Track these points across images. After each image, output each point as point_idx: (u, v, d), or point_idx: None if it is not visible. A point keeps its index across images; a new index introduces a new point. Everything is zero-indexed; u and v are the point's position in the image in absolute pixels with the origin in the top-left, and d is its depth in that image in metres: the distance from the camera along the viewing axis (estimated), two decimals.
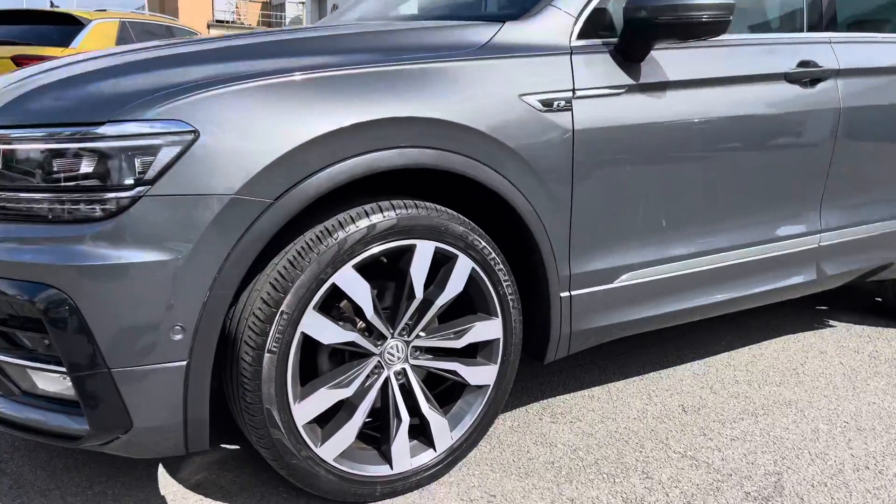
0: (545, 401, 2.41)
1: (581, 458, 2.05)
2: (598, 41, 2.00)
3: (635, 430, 2.21)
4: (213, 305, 1.50)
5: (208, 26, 47.03)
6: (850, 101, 2.49)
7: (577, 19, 1.98)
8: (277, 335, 1.58)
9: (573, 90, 1.91)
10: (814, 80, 2.41)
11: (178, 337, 1.49)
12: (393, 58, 1.72)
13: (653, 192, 2.09)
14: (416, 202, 1.73)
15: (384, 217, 1.67)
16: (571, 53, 1.94)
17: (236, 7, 48.67)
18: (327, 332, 1.66)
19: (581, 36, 1.98)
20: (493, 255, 1.85)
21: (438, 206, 1.76)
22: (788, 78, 2.34)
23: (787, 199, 2.42)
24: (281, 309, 1.58)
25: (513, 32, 1.91)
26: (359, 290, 1.67)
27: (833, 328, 3.17)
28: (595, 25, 2.03)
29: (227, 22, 45.56)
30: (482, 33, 1.89)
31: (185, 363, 1.51)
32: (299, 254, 1.60)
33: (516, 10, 2.03)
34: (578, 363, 2.73)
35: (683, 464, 2.03)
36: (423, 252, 1.74)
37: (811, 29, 2.52)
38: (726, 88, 2.20)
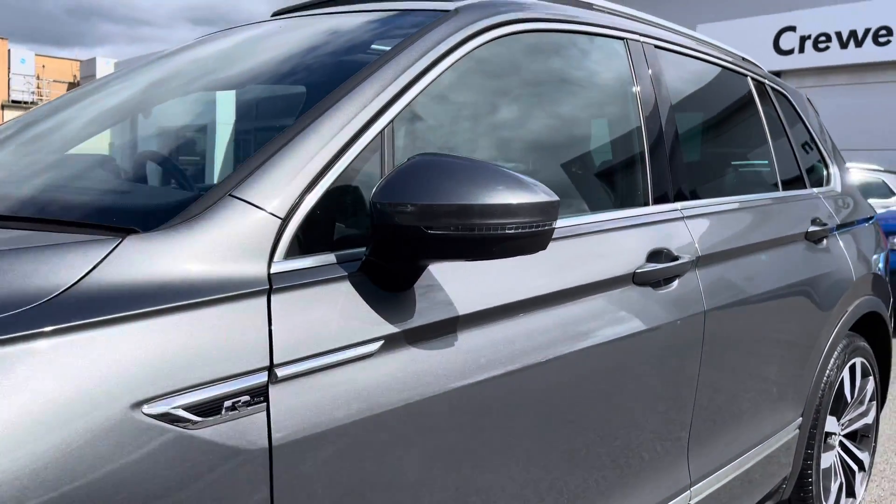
0: None
1: None
2: (328, 257, 1.10)
3: None
4: None
5: (2, 107, 42.71)
6: (716, 299, 1.77)
7: (285, 222, 1.06)
8: None
9: (270, 368, 0.97)
10: (668, 278, 1.66)
11: None
12: None
13: None
14: None
15: None
16: (271, 291, 1.01)
17: (37, 87, 44.77)
18: None
19: (295, 251, 1.06)
20: None
21: None
22: (637, 279, 1.57)
23: (645, 461, 1.61)
24: None
25: (138, 258, 0.94)
26: None
27: None
28: (322, 229, 1.12)
29: (26, 103, 41.55)
30: (61, 270, 0.89)
31: None
32: None
33: (162, 209, 1.07)
34: None
35: None
36: None
37: (658, 199, 1.77)
38: (549, 312, 1.37)
